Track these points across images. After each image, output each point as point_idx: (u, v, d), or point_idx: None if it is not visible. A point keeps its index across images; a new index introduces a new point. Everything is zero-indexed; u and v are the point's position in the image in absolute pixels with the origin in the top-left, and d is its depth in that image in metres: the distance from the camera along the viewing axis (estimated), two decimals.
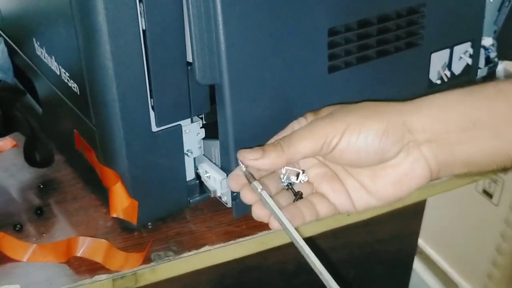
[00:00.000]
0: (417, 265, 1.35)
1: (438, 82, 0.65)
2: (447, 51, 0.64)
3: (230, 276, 0.65)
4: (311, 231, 0.57)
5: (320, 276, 0.41)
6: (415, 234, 0.88)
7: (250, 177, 0.44)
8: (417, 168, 0.44)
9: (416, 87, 0.63)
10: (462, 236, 1.24)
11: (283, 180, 0.46)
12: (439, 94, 0.45)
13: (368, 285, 0.84)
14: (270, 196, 0.44)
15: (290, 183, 0.46)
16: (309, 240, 0.59)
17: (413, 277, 0.92)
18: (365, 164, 0.44)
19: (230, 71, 0.47)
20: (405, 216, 0.79)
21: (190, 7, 0.45)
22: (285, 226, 0.42)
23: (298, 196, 0.46)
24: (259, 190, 0.43)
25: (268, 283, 0.73)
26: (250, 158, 0.45)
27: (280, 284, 0.74)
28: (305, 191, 0.46)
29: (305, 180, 0.47)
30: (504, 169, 0.44)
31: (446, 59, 0.64)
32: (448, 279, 1.31)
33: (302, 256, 0.44)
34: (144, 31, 0.45)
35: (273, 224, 0.44)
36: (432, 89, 0.64)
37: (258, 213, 0.44)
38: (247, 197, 0.45)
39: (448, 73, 0.65)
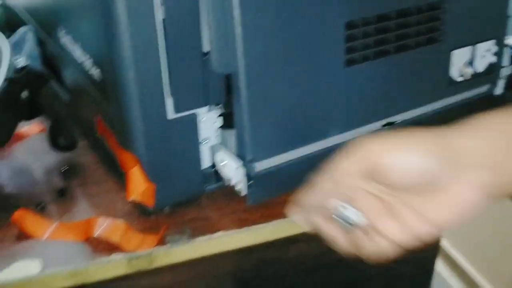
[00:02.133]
0: (440, 267, 1.33)
1: (460, 79, 0.64)
2: (470, 48, 0.64)
3: (248, 268, 0.65)
4: None
5: None
6: (438, 236, 0.87)
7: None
8: (467, 192, 0.42)
9: (436, 83, 0.63)
10: (487, 238, 1.23)
11: (337, 218, 0.44)
12: (483, 117, 0.44)
13: (388, 285, 0.84)
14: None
15: (345, 220, 0.44)
16: None
17: (435, 279, 0.91)
18: (410, 187, 0.43)
19: (246, 60, 0.48)
20: None
21: None
22: None
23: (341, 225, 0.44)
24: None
25: (287, 277, 0.73)
26: (303, 195, 0.45)
27: (299, 279, 0.74)
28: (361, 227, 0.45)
29: (360, 220, 0.44)
30: None
31: (468, 57, 0.64)
32: (472, 282, 1.29)
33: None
34: (163, 20, 0.46)
35: None
36: (453, 86, 0.64)
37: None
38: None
39: (471, 71, 0.65)
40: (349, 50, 0.54)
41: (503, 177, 0.43)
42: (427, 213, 0.43)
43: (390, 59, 0.58)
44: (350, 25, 0.53)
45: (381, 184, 0.45)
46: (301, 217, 0.46)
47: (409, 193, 0.44)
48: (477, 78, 0.66)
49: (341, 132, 0.57)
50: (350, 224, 0.44)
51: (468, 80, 0.65)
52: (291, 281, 0.73)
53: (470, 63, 0.64)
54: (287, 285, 0.70)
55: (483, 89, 0.67)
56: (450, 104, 0.65)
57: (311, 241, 0.62)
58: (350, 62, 0.55)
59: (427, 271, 0.88)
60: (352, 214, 0.44)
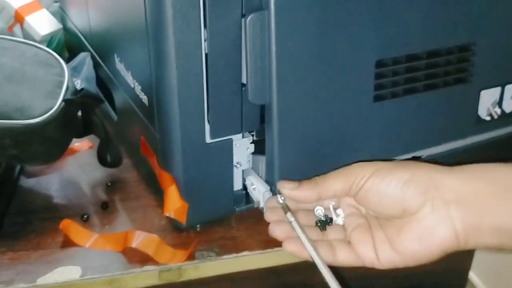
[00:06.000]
0: None
1: (488, 118, 0.66)
2: (498, 89, 0.65)
3: None
4: None
5: None
6: (466, 268, 0.87)
7: (285, 207, 0.49)
8: (441, 227, 0.43)
9: (463, 121, 0.65)
10: None
11: (317, 215, 0.50)
12: (481, 165, 0.46)
13: None
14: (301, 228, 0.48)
15: (324, 221, 0.50)
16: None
17: None
18: (387, 211, 0.46)
19: (279, 93, 0.52)
20: None
21: (248, 36, 0.50)
22: (316, 260, 0.47)
23: (319, 224, 0.50)
24: (291, 220, 0.48)
25: None
26: (287, 187, 0.50)
27: None
28: (337, 236, 0.49)
29: (338, 222, 0.50)
30: None
31: (497, 97, 0.66)
32: None
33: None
34: (206, 55, 0.51)
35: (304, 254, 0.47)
36: (480, 125, 0.66)
37: (289, 247, 0.48)
38: (276, 231, 0.49)
39: (499, 111, 0.67)
40: (378, 87, 0.57)
41: (479, 220, 0.43)
42: (396, 240, 0.46)
43: (419, 96, 0.60)
44: (380, 64, 0.56)
45: (362, 206, 0.49)
46: (280, 229, 0.49)
47: (385, 219, 0.47)
48: (504, 118, 0.67)
49: None
50: (328, 223, 0.50)
51: (496, 119, 0.67)
52: None
53: (499, 103, 0.66)
54: None
55: (510, 129, 0.69)
56: (477, 142, 0.67)
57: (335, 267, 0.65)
58: (378, 98, 0.58)
59: None
60: (333, 214, 0.50)
